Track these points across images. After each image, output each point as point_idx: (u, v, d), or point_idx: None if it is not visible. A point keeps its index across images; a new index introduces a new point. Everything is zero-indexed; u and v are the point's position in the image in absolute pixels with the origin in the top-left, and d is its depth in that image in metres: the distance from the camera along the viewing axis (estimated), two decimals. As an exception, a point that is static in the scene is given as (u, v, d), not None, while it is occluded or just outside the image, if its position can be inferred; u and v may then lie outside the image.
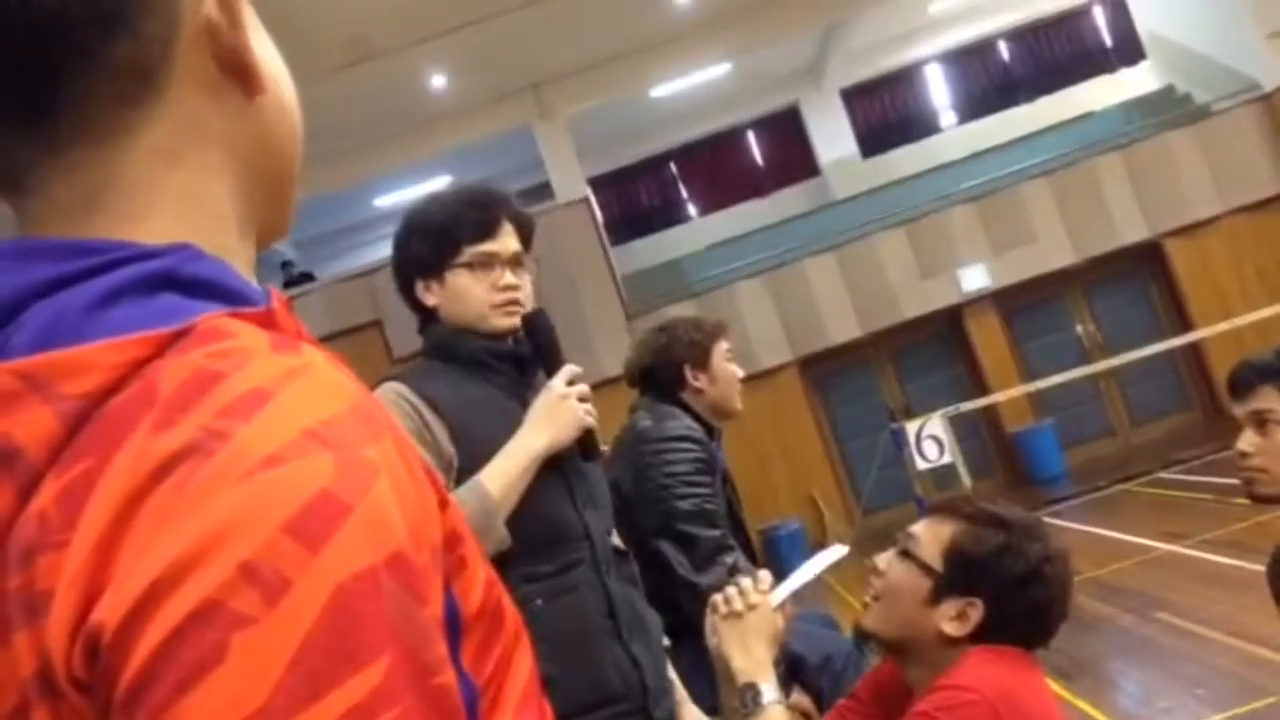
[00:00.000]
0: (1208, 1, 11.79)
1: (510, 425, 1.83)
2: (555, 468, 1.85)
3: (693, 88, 13.31)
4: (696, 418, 2.69)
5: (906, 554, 1.61)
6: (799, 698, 2.49)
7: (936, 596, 1.56)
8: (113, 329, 0.50)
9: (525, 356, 1.94)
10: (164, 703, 0.42)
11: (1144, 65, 13.85)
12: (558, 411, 1.84)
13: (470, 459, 1.78)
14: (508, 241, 1.93)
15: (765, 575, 1.67)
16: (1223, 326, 9.86)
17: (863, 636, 1.66)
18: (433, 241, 1.91)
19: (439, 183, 12.32)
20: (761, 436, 10.76)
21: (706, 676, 2.40)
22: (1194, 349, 11.08)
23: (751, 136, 15.01)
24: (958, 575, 1.56)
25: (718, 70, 13.14)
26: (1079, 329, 11.86)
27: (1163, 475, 9.06)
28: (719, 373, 2.74)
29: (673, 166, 15.04)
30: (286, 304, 0.58)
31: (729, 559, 2.51)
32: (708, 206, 14.95)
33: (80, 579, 0.45)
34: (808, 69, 14.52)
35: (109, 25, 0.53)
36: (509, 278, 1.92)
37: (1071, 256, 11.39)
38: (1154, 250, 11.51)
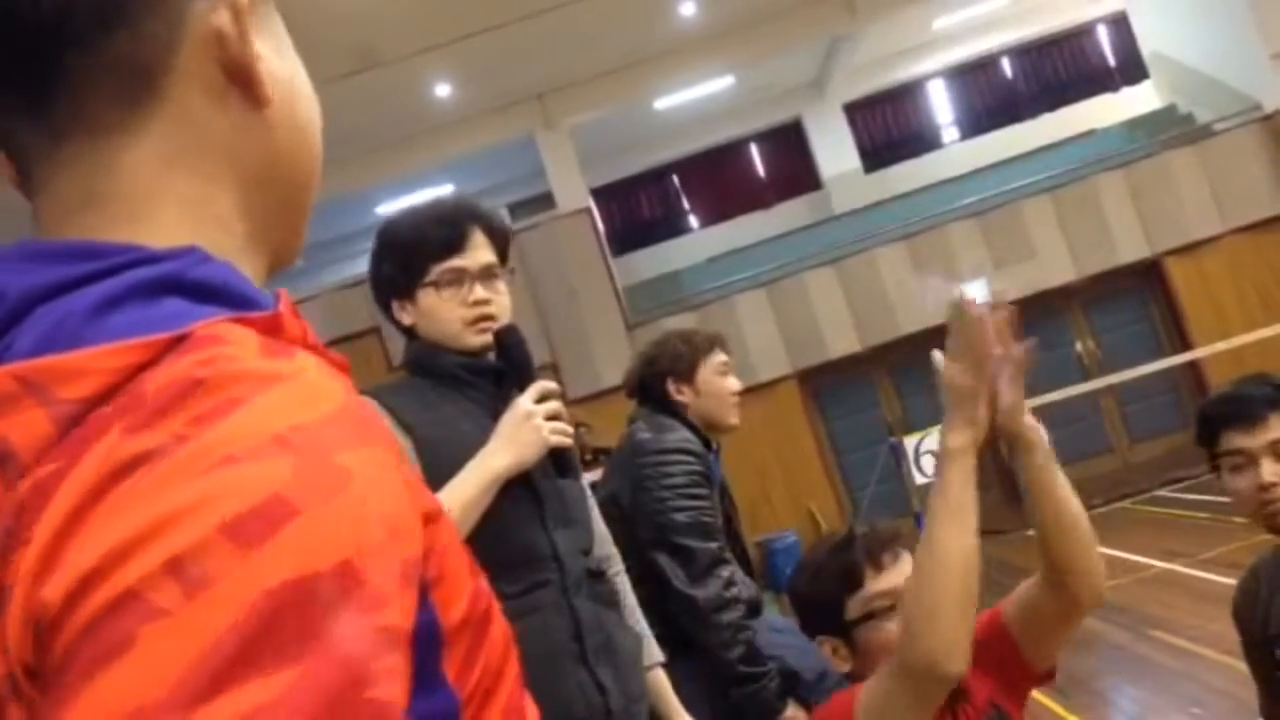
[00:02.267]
0: (1211, 22, 11.82)
1: (481, 440, 1.78)
2: (526, 486, 1.80)
3: (696, 100, 13.34)
4: (694, 429, 2.69)
5: None
6: (795, 712, 2.48)
7: (818, 642, 1.69)
8: (113, 334, 0.50)
9: (501, 371, 1.90)
10: (72, 684, 0.43)
11: (1146, 84, 13.89)
12: (521, 431, 1.78)
13: (437, 477, 1.71)
14: (477, 255, 1.88)
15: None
16: (1222, 346, 9.87)
17: None
18: (400, 261, 1.88)
19: (442, 191, 12.34)
20: (759, 449, 10.76)
21: (702, 688, 2.40)
22: (1193, 368, 11.08)
23: (754, 149, 15.03)
24: (809, 624, 1.69)
25: (721, 83, 13.18)
26: (1078, 346, 11.87)
27: (1160, 493, 9.05)
28: (705, 387, 2.72)
29: (675, 178, 15.07)
30: (293, 308, 0.58)
31: (725, 572, 2.51)
32: (709, 218, 14.96)
33: (34, 572, 0.45)
34: (811, 83, 14.56)
35: (110, 19, 0.54)
36: (479, 292, 1.87)
37: (1071, 274, 11.41)
38: (1154, 268, 11.52)
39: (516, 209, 14.35)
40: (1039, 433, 1.56)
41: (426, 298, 1.87)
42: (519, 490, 1.78)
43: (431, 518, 0.54)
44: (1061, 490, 1.55)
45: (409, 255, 1.87)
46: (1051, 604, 1.57)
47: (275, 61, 0.61)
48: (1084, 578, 1.54)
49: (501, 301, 1.91)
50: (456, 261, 1.86)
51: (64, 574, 0.44)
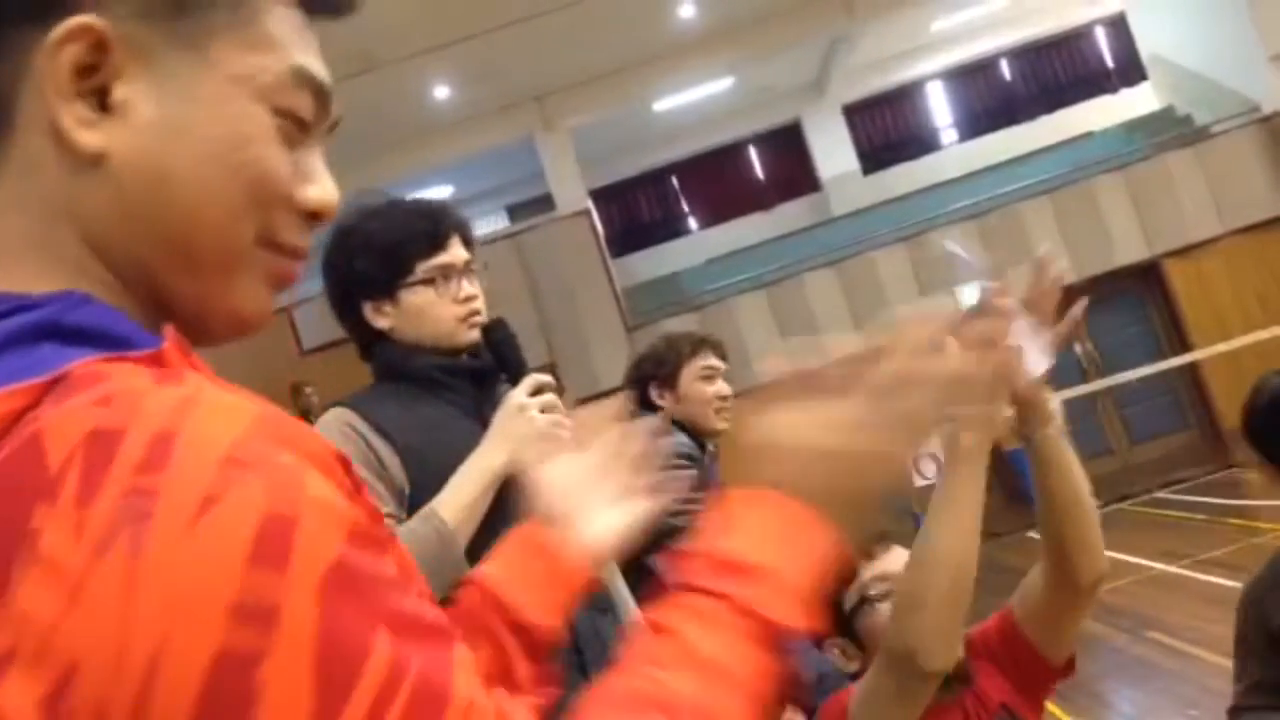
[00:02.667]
0: (1209, 23, 11.83)
1: (469, 446, 1.69)
2: (516, 487, 1.69)
3: (695, 101, 13.35)
4: (687, 432, 2.68)
5: None
6: (792, 715, 2.48)
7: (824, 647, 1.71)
8: None
9: (483, 370, 1.83)
10: None
11: (1144, 86, 13.89)
12: (515, 425, 1.69)
13: (425, 485, 1.67)
14: (457, 251, 1.83)
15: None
16: (1221, 347, 9.88)
17: None
18: (381, 260, 1.79)
19: (441, 193, 12.33)
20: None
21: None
22: (1192, 370, 11.09)
23: (753, 151, 15.04)
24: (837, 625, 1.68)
25: (720, 84, 13.18)
26: (1077, 348, 11.87)
27: (1160, 495, 9.06)
28: (687, 392, 2.69)
29: (674, 179, 15.07)
30: (181, 343, 0.56)
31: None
32: (708, 220, 14.97)
33: (47, 654, 0.44)
34: (810, 84, 14.56)
35: None
36: (468, 287, 1.83)
37: (1070, 275, 11.35)
38: (1153, 270, 11.52)
39: (516, 211, 14.36)
40: (1054, 404, 1.57)
41: (414, 296, 1.79)
42: (512, 493, 1.65)
43: (355, 492, 0.55)
44: (1071, 463, 1.57)
45: (393, 253, 1.79)
46: (1054, 588, 1.57)
47: (154, 108, 0.57)
48: (1083, 556, 1.54)
49: (481, 298, 1.87)
50: (444, 258, 1.81)
51: (124, 665, 0.44)
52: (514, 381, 1.76)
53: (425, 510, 1.62)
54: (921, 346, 0.69)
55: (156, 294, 0.60)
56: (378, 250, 1.79)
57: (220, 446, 0.48)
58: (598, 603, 1.84)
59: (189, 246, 0.59)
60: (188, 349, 0.57)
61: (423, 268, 1.79)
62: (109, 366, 0.50)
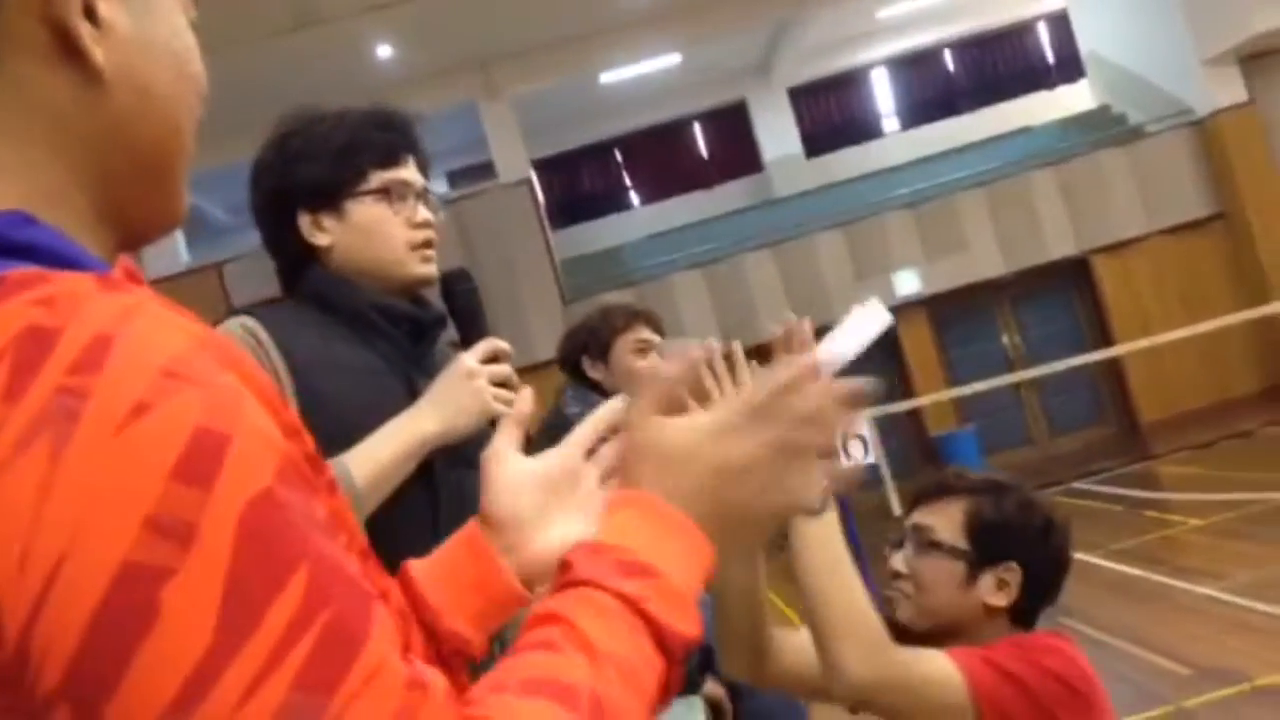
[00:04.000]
0: (1147, 25, 12.07)
1: (382, 404, 1.46)
2: (422, 474, 1.46)
3: (642, 76, 13.30)
4: None
5: (929, 545, 1.55)
6: (713, 687, 2.50)
7: (973, 574, 1.53)
8: None
9: (424, 322, 1.58)
10: (113, 673, 0.43)
11: (1082, 84, 14.15)
12: (459, 391, 1.46)
13: (316, 433, 1.42)
14: (415, 173, 1.59)
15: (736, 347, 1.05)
16: (1143, 344, 10.14)
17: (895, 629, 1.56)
18: (330, 164, 1.52)
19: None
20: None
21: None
22: (1114, 365, 11.37)
23: (698, 129, 15.04)
24: (987, 546, 1.53)
25: (668, 60, 13.15)
26: (1005, 339, 12.10)
27: (1077, 485, 9.29)
28: (619, 365, 2.68)
29: (617, 153, 15.03)
30: (133, 273, 0.56)
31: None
32: (650, 196, 14.96)
33: None
34: (757, 66, 14.59)
35: None
36: (424, 212, 1.57)
37: (1002, 267, 11.61)
38: (1081, 266, 11.78)
39: (456, 177, 14.20)
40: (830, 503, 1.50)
41: (365, 209, 1.53)
42: (412, 480, 1.45)
43: (294, 432, 0.54)
44: (830, 556, 1.43)
45: (344, 157, 1.53)
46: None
47: (126, 22, 0.57)
48: (827, 662, 1.41)
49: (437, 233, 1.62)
50: (401, 173, 1.56)
51: (28, 567, 0.43)
52: (466, 343, 1.54)
53: (333, 463, 1.32)
54: (794, 384, 0.68)
55: (113, 207, 0.59)
56: (327, 153, 1.53)
57: (160, 356, 0.47)
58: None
59: (162, 157, 0.60)
60: (138, 276, 0.56)
61: (379, 177, 1.54)
62: (52, 273, 0.49)
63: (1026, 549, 1.53)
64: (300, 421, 0.56)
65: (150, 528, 0.44)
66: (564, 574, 0.61)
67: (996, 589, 1.53)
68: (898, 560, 1.58)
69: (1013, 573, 1.53)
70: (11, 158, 0.55)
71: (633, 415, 0.69)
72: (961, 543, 1.54)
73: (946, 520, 1.56)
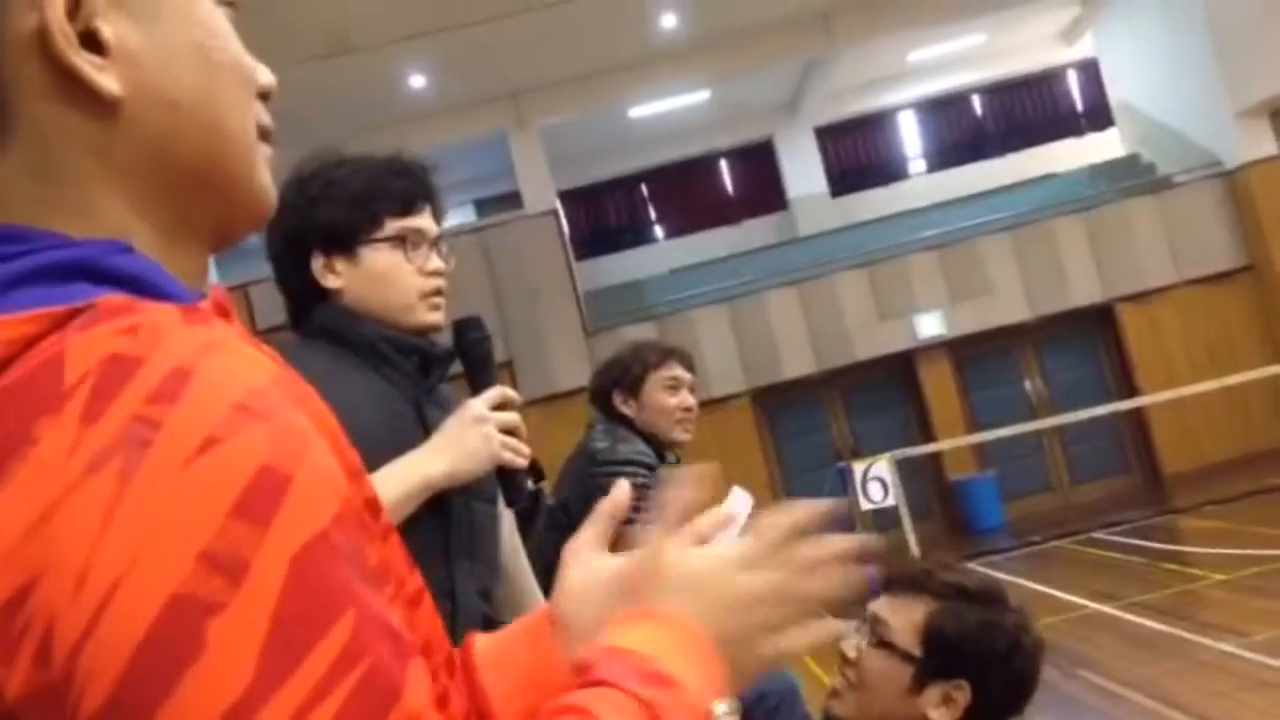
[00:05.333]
0: (1178, 76, 12.06)
1: (397, 432, 1.49)
2: (438, 506, 1.49)
3: (670, 111, 13.38)
4: (649, 442, 2.68)
5: (881, 643, 1.47)
6: None
7: (919, 683, 1.44)
8: (12, 309, 0.49)
9: (432, 355, 1.60)
10: (153, 702, 0.43)
11: (1111, 132, 14.13)
12: (466, 436, 1.49)
13: None
14: (429, 222, 1.61)
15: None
16: (1168, 395, 10.05)
17: None
18: (347, 209, 1.55)
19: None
20: (709, 464, 10.77)
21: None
22: (1138, 414, 11.27)
23: (724, 165, 15.10)
24: (940, 659, 1.44)
25: (697, 96, 13.23)
26: (1027, 384, 12.03)
27: (1098, 535, 9.18)
28: (649, 401, 2.70)
29: (644, 187, 15.09)
30: (224, 305, 0.56)
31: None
32: (674, 230, 15.00)
33: (11, 563, 0.44)
34: (785, 104, 14.65)
35: None
36: (436, 261, 1.59)
37: (1026, 312, 11.56)
38: (1106, 313, 11.71)
39: (483, 206, 14.30)
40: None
41: (377, 255, 1.55)
42: (428, 510, 1.48)
43: (356, 475, 0.55)
44: None
45: (361, 204, 1.55)
46: None
47: (139, 40, 0.55)
48: None
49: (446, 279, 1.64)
50: (415, 221, 1.58)
51: (84, 590, 0.43)
52: (476, 390, 1.56)
53: None
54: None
55: (180, 222, 0.58)
56: (344, 198, 1.56)
57: (236, 392, 0.48)
58: None
59: (213, 162, 0.59)
60: (229, 310, 0.57)
61: (393, 225, 1.56)
62: (140, 303, 0.50)
63: (981, 669, 1.44)
64: (362, 466, 0.56)
65: (204, 561, 0.44)
66: (584, 673, 0.61)
67: (941, 703, 1.44)
68: (850, 645, 1.49)
69: (961, 691, 1.44)
70: (68, 200, 0.54)
71: (656, 536, 0.72)
72: (915, 648, 1.45)
73: (906, 620, 1.47)
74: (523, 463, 1.55)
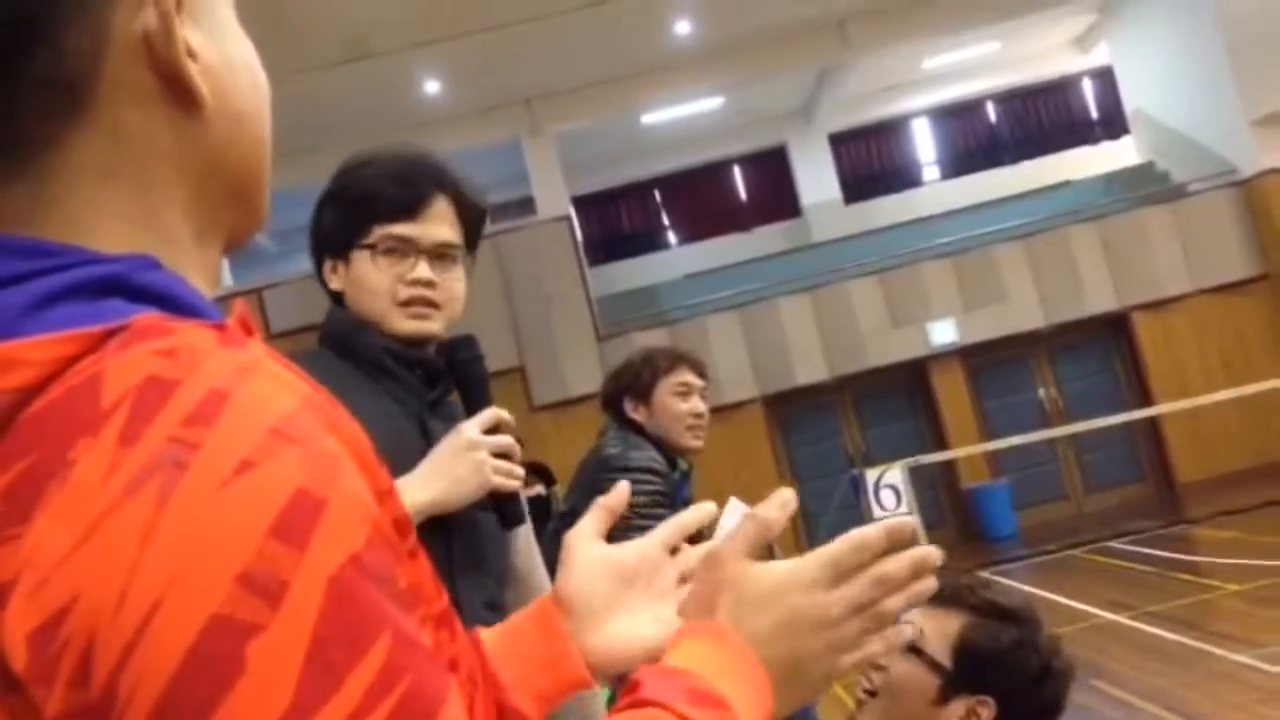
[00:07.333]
0: (1194, 84, 12.02)
1: (398, 450, 1.45)
2: (440, 520, 1.48)
3: (684, 117, 13.39)
4: (660, 448, 2.68)
5: (912, 649, 1.47)
6: None
7: (945, 695, 1.45)
8: (47, 328, 0.49)
9: (438, 367, 1.59)
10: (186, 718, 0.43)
11: (1126, 140, 14.08)
12: (457, 463, 1.47)
13: None
14: (432, 228, 1.56)
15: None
16: (1182, 404, 10.00)
17: None
18: (345, 214, 1.57)
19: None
20: (720, 470, 10.75)
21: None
22: (1152, 423, 11.22)
23: (737, 171, 15.10)
24: (969, 673, 1.44)
25: (710, 103, 13.23)
26: (1041, 392, 11.98)
27: (1112, 544, 9.14)
28: (660, 407, 2.70)
29: (657, 193, 15.10)
30: (247, 319, 0.57)
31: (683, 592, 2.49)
32: (687, 236, 15.01)
33: (49, 585, 0.44)
34: (799, 110, 14.65)
35: (24, 39, 0.52)
36: (422, 270, 1.55)
37: (1040, 320, 11.53)
38: (1121, 321, 11.66)
39: (497, 212, 14.31)
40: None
41: (360, 261, 1.56)
42: (427, 523, 1.45)
43: (386, 495, 0.55)
44: None
45: (356, 209, 1.56)
46: None
47: (211, 51, 0.58)
48: None
49: (453, 289, 1.59)
50: (405, 229, 1.54)
51: (124, 609, 0.44)
52: (470, 412, 1.54)
53: None
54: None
55: (208, 229, 0.60)
56: (343, 203, 1.58)
57: (270, 416, 0.48)
58: None
59: (254, 174, 0.61)
60: (251, 327, 0.57)
61: (380, 232, 1.54)
62: (174, 323, 0.51)
63: (1010, 688, 1.44)
64: (393, 484, 0.56)
65: (243, 583, 0.44)
66: (631, 692, 0.62)
67: (965, 717, 1.45)
68: None
69: (986, 707, 1.44)
70: (125, 202, 0.56)
71: (725, 550, 0.72)
72: (945, 659, 1.46)
73: (939, 630, 1.48)
74: (516, 485, 1.54)
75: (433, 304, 1.56)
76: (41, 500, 0.45)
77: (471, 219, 1.61)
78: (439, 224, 1.57)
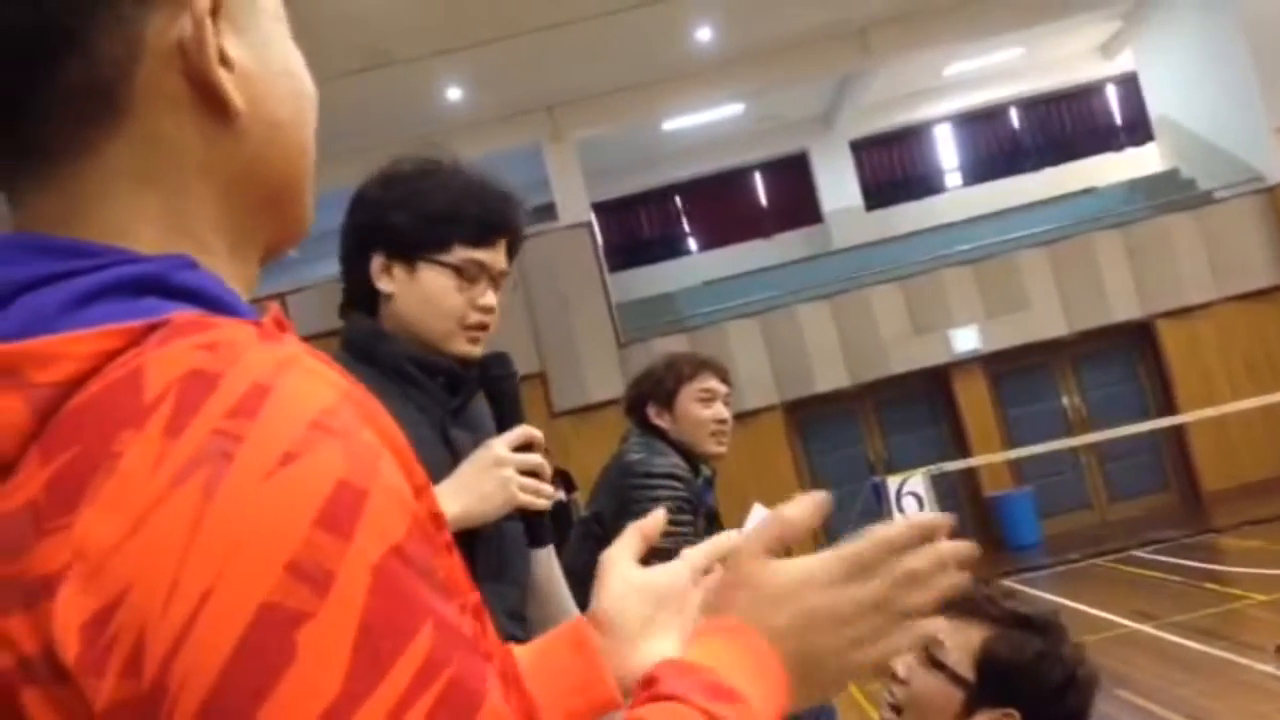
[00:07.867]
0: (1219, 91, 11.93)
1: (423, 455, 1.43)
2: (463, 531, 1.47)
3: (705, 124, 13.40)
4: (684, 455, 2.68)
5: (934, 663, 1.46)
6: None
7: (970, 708, 1.43)
8: (87, 324, 0.50)
9: (461, 375, 1.60)
10: (248, 709, 0.44)
11: (1151, 146, 14.00)
12: (482, 480, 1.47)
13: None
14: (500, 256, 1.61)
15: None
16: (1209, 412, 9.91)
17: None
18: (423, 224, 1.55)
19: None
20: (741, 477, 10.72)
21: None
22: (1177, 432, 11.12)
23: (758, 178, 15.09)
24: (993, 685, 1.43)
25: (731, 109, 13.24)
26: (1064, 400, 11.91)
27: (1136, 553, 9.06)
28: (683, 414, 2.70)
29: (677, 200, 15.11)
30: (281, 319, 0.58)
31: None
32: (708, 243, 15.00)
33: (100, 576, 0.45)
34: (820, 117, 14.63)
35: (60, 46, 0.53)
36: (490, 298, 1.59)
37: (1063, 328, 11.46)
38: (1145, 329, 11.58)
39: (522, 210, 14.37)
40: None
41: (433, 275, 1.55)
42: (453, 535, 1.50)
43: (421, 490, 0.56)
44: None
45: (436, 222, 1.55)
46: None
47: (250, 59, 0.58)
48: None
49: (497, 312, 1.64)
50: (483, 255, 1.57)
51: (175, 599, 0.44)
52: (502, 428, 1.54)
53: None
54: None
55: (244, 239, 0.61)
56: (423, 212, 1.56)
57: (311, 410, 0.49)
58: None
59: (293, 182, 0.62)
60: (286, 326, 0.58)
61: (462, 255, 1.56)
62: (213, 319, 0.51)
63: (1034, 700, 1.43)
64: (427, 479, 0.57)
65: (291, 571, 0.45)
66: (649, 688, 0.62)
67: None
68: (900, 663, 1.47)
69: (1010, 719, 1.43)
70: (160, 208, 0.56)
71: (744, 547, 0.72)
72: (968, 672, 1.44)
73: (962, 642, 1.46)
74: (544, 504, 1.53)
75: (487, 330, 1.60)
76: (88, 492, 0.46)
77: (516, 248, 1.65)
78: (502, 251, 1.61)
